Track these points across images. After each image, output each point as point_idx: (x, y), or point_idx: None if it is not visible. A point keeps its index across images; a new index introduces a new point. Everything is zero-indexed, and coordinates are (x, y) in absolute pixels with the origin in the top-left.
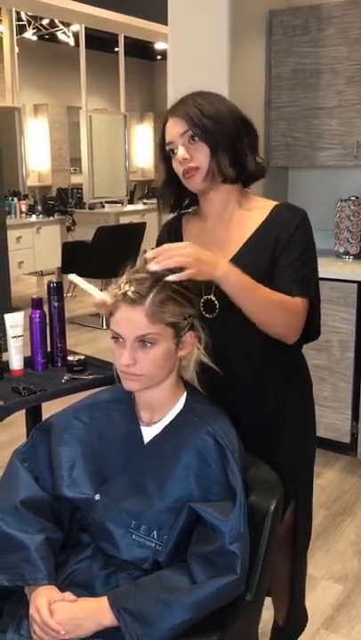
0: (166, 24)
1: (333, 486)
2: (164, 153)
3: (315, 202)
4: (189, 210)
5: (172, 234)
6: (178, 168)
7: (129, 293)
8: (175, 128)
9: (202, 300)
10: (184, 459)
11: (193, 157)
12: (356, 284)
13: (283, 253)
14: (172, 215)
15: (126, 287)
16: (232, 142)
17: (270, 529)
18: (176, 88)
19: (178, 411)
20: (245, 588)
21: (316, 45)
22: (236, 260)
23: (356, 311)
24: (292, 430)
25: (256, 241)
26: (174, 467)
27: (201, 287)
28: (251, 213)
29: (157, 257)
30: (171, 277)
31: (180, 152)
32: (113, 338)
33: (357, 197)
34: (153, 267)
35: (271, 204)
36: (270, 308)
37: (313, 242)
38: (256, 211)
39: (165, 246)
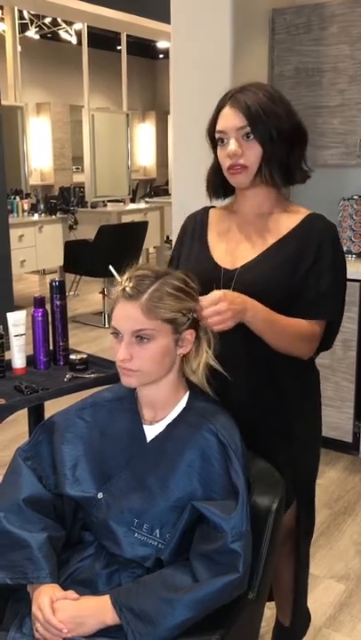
0: (169, 23)
1: (336, 485)
2: (214, 140)
3: (317, 201)
4: (214, 205)
5: (197, 224)
6: (224, 160)
7: (127, 289)
8: (232, 120)
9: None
10: (187, 457)
11: (243, 154)
12: (358, 283)
13: (310, 269)
14: (219, 201)
15: (126, 283)
16: (287, 152)
17: (273, 527)
18: (178, 87)
19: (180, 409)
20: (248, 586)
21: (319, 44)
22: (260, 260)
23: (359, 310)
24: (295, 433)
25: (282, 245)
26: (177, 465)
27: (220, 280)
28: (285, 216)
29: (201, 313)
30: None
31: (232, 146)
32: (112, 333)
33: (360, 196)
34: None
35: (304, 212)
36: (287, 339)
37: (342, 260)
38: (290, 215)
39: (204, 302)
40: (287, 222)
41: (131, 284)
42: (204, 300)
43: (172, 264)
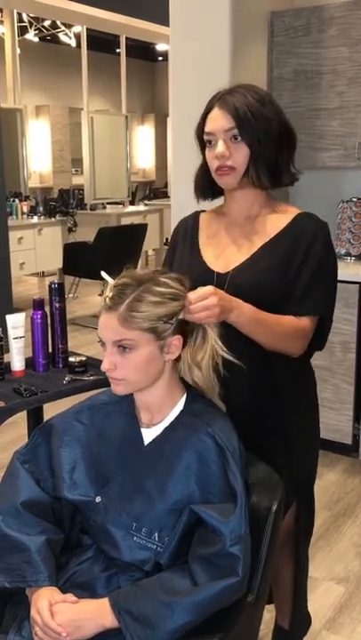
0: (168, 25)
1: (335, 487)
2: (202, 141)
3: (316, 203)
4: (205, 209)
5: (188, 230)
6: (212, 161)
7: (107, 300)
8: (220, 121)
9: None
10: (184, 460)
11: (231, 156)
12: (357, 285)
13: (300, 266)
14: (207, 202)
15: (107, 293)
16: (275, 154)
17: (272, 530)
18: (178, 89)
19: (177, 412)
20: (247, 589)
21: (318, 46)
22: (251, 263)
23: (358, 312)
24: (292, 432)
25: (273, 246)
26: (175, 468)
27: (213, 282)
28: (273, 217)
29: (189, 308)
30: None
31: (220, 148)
32: (99, 342)
33: (359, 198)
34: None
35: (294, 211)
36: (276, 337)
37: (332, 256)
38: (279, 215)
39: (192, 296)
40: (277, 222)
41: (110, 295)
42: (193, 294)
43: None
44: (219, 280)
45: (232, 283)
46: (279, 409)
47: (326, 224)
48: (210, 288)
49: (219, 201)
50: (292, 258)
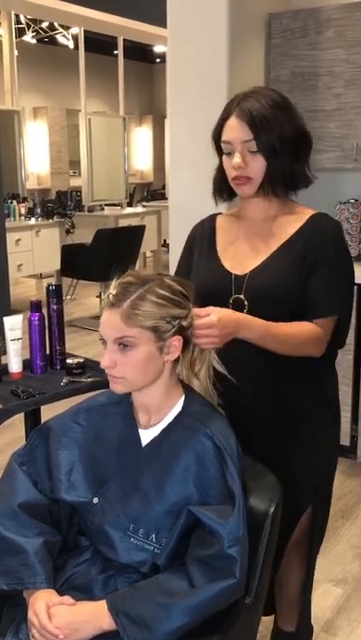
0: (165, 27)
1: (334, 489)
2: (219, 143)
3: (314, 204)
4: (222, 212)
5: (205, 233)
6: (229, 170)
7: (110, 297)
8: (238, 132)
9: (231, 299)
10: (182, 461)
11: (248, 166)
12: (355, 287)
13: (314, 268)
14: (225, 204)
15: (111, 290)
16: (290, 162)
17: (270, 532)
18: (175, 91)
19: (176, 413)
20: (245, 591)
21: (315, 48)
22: (268, 265)
23: (357, 314)
24: (303, 436)
25: (289, 248)
26: (173, 470)
27: (231, 287)
28: (289, 219)
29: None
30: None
31: (237, 159)
32: (100, 339)
33: (356, 200)
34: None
35: (309, 212)
36: (290, 347)
37: (346, 256)
38: (294, 217)
39: (196, 322)
40: (293, 224)
41: (114, 292)
42: (199, 321)
43: (179, 274)
44: (236, 282)
45: (250, 285)
46: (283, 411)
47: (339, 223)
48: (213, 318)
49: (236, 201)
50: (306, 258)
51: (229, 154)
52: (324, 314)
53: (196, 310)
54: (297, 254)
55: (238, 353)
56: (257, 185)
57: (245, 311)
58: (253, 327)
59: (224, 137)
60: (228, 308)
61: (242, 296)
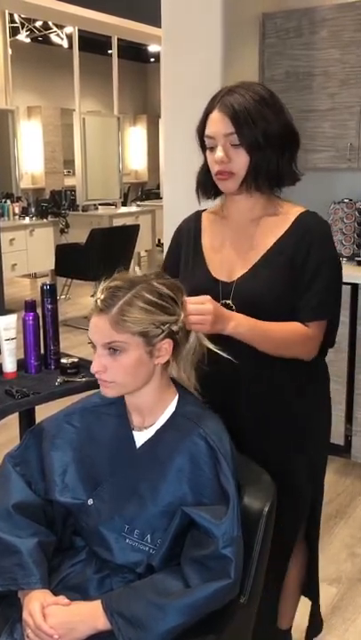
0: (160, 26)
1: (327, 488)
2: (203, 141)
3: (308, 204)
4: (206, 208)
5: (191, 231)
6: (212, 165)
7: (98, 302)
8: (220, 126)
9: (220, 304)
10: (176, 462)
11: (231, 160)
12: (349, 286)
13: (301, 271)
14: (210, 202)
15: (99, 295)
16: (275, 158)
17: (264, 532)
18: (169, 90)
19: (169, 414)
20: (239, 591)
21: (310, 48)
22: (255, 272)
23: (350, 313)
24: (298, 436)
25: (276, 253)
26: (167, 470)
27: (218, 292)
28: (275, 220)
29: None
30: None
31: (219, 153)
32: (89, 343)
33: (351, 200)
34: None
35: (296, 211)
36: (279, 346)
37: (335, 256)
38: (281, 217)
39: (189, 301)
40: (279, 226)
41: (102, 297)
42: (193, 305)
43: (167, 269)
44: (224, 289)
45: (237, 292)
46: (278, 410)
47: (326, 222)
48: (209, 306)
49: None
50: (294, 263)
51: (212, 148)
52: (314, 317)
53: (189, 298)
54: (284, 259)
55: (242, 345)
56: (239, 180)
57: None
58: (241, 320)
59: (207, 131)
60: None
61: (230, 302)
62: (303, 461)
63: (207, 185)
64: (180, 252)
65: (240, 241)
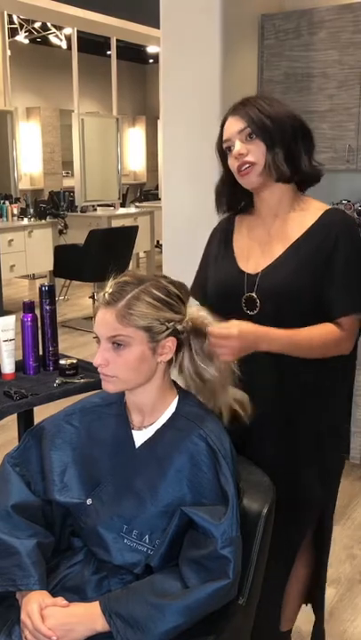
0: (159, 28)
1: None
2: (223, 153)
3: None
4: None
5: (223, 232)
6: (233, 164)
7: (106, 295)
8: (233, 126)
9: (243, 298)
10: (176, 463)
11: (249, 152)
12: None
13: (330, 267)
14: (226, 215)
15: (107, 289)
16: (288, 141)
17: (263, 533)
18: (168, 91)
19: (169, 414)
20: (238, 592)
21: (308, 49)
22: (279, 264)
23: None
24: (313, 432)
25: (301, 246)
26: (166, 471)
27: (243, 285)
28: (301, 215)
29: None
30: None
31: (237, 147)
32: (94, 338)
33: (349, 201)
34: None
35: (322, 207)
36: (314, 352)
37: (358, 249)
38: (307, 212)
39: (214, 334)
40: (305, 221)
41: (110, 291)
42: (217, 330)
43: (198, 277)
44: (249, 281)
45: (261, 284)
46: (288, 409)
47: (352, 219)
48: (234, 331)
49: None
50: (319, 256)
51: (232, 150)
52: (344, 313)
53: (215, 329)
54: (310, 252)
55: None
56: (260, 169)
57: (257, 310)
58: (273, 336)
59: (224, 137)
60: (240, 305)
61: (254, 294)
62: (316, 465)
63: (224, 194)
64: (210, 253)
65: (267, 235)
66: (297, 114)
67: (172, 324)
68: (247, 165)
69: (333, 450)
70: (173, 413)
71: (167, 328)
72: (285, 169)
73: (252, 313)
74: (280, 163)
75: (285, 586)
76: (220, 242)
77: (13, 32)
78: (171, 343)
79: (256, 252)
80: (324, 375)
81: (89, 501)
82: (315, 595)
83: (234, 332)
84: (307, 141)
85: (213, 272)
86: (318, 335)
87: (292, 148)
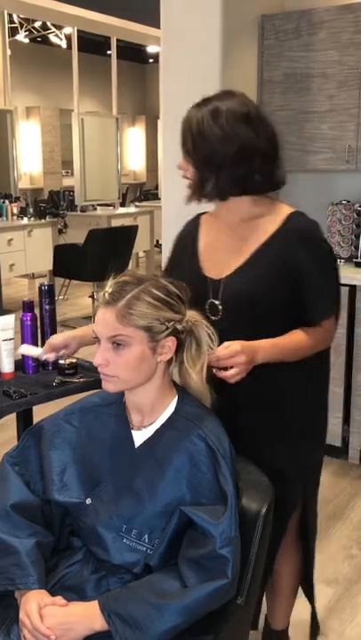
0: (159, 27)
1: (325, 489)
2: None
3: (306, 205)
4: (207, 211)
5: (190, 234)
6: None
7: (106, 295)
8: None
9: (207, 304)
10: (175, 462)
11: (187, 170)
12: (347, 288)
13: (298, 270)
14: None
15: (107, 289)
16: (215, 165)
17: (261, 533)
18: (168, 91)
19: (169, 414)
20: (236, 591)
21: (308, 50)
22: (243, 269)
23: (348, 315)
24: (289, 429)
25: (265, 252)
26: (166, 470)
27: (207, 291)
28: (264, 221)
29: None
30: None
31: (180, 161)
32: (94, 338)
33: (349, 201)
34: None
35: (284, 212)
36: (299, 355)
37: (327, 249)
38: (271, 218)
39: (220, 356)
40: (269, 226)
41: (110, 290)
42: (223, 352)
43: (165, 274)
44: (213, 286)
45: (225, 289)
46: (264, 405)
47: (315, 223)
48: (237, 346)
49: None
50: (285, 263)
51: None
52: (321, 318)
53: (218, 352)
54: (273, 258)
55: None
56: (193, 187)
57: (220, 316)
58: (267, 348)
59: None
60: (204, 311)
61: (217, 301)
62: (293, 459)
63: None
64: (177, 255)
65: (231, 241)
66: (245, 136)
67: (171, 323)
68: (188, 179)
69: (310, 448)
70: (173, 413)
71: (167, 328)
72: (212, 194)
73: (215, 318)
74: (206, 188)
75: (267, 582)
76: (187, 244)
77: (13, 31)
78: (171, 343)
79: (220, 258)
80: (298, 376)
81: (88, 501)
82: (305, 588)
83: (237, 348)
84: (252, 161)
85: (179, 276)
86: (301, 340)
87: (225, 171)
